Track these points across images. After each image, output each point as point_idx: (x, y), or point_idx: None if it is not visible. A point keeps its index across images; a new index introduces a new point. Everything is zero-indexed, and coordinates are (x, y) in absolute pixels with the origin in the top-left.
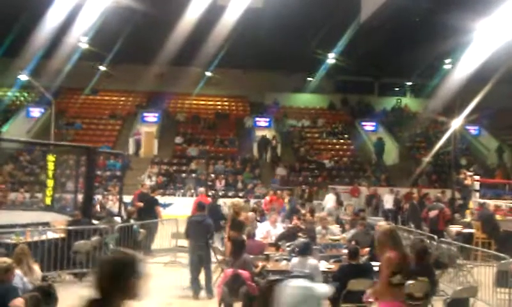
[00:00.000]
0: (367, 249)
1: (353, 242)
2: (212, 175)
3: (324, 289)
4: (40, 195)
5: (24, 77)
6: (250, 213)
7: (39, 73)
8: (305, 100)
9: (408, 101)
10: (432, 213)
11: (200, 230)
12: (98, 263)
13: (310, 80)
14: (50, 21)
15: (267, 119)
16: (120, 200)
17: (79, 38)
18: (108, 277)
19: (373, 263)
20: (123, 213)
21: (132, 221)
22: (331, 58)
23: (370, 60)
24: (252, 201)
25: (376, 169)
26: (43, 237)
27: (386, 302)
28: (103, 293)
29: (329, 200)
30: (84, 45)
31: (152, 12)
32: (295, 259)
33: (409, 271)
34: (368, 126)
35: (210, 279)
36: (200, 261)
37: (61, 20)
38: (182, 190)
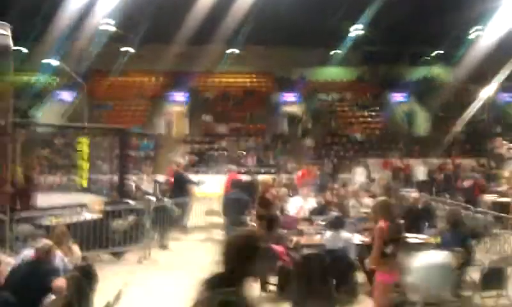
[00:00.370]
0: (401, 221)
1: None
2: (244, 152)
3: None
4: (76, 177)
5: (54, 62)
6: (282, 189)
7: (68, 57)
8: (332, 73)
9: (438, 70)
10: (467, 183)
11: (237, 207)
12: (226, 241)
13: (337, 53)
14: (75, 4)
15: (295, 95)
16: (154, 180)
17: (105, 20)
18: (235, 255)
19: (408, 235)
20: (157, 192)
21: (166, 200)
22: (357, 29)
23: (398, 29)
24: (284, 176)
25: (408, 140)
26: (81, 218)
27: (383, 273)
28: (229, 269)
29: (358, 173)
30: (110, 27)
31: None
32: (328, 233)
33: (403, 242)
34: (399, 97)
35: None
36: None
37: (85, 2)
38: (215, 169)
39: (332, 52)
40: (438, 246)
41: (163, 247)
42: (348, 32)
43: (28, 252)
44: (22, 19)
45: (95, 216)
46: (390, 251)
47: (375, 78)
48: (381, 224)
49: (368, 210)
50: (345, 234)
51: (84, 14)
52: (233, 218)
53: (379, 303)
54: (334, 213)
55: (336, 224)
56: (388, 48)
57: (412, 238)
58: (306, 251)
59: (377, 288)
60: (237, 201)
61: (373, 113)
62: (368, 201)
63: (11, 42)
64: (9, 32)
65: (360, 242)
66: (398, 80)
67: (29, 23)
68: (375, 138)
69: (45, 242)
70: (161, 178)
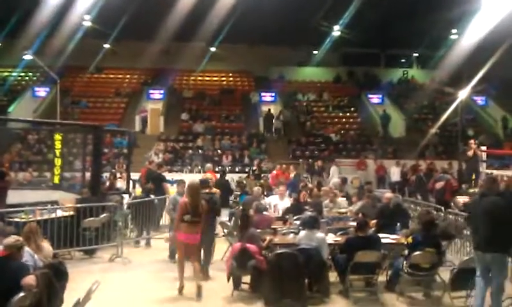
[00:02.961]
0: (374, 221)
1: (360, 215)
2: (219, 151)
3: None
4: (48, 174)
5: (28, 57)
6: (256, 188)
7: (43, 52)
8: (310, 73)
9: (414, 72)
10: (439, 185)
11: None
12: None
13: (315, 54)
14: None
15: (273, 94)
16: (128, 177)
17: (82, 16)
18: None
19: (380, 235)
20: (131, 189)
21: (152, 196)
22: (336, 30)
23: (376, 32)
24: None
25: (383, 141)
26: (53, 215)
27: (181, 233)
28: None
29: (334, 173)
30: (88, 23)
31: None
32: (302, 233)
33: (199, 213)
34: (375, 98)
35: (208, 260)
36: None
37: None
38: (189, 167)
39: (311, 53)
40: (410, 246)
41: (137, 244)
42: (327, 33)
43: None
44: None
45: (67, 213)
46: (187, 219)
47: (352, 79)
48: (183, 199)
49: (342, 210)
50: (319, 234)
51: (62, 9)
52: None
53: None
54: (308, 212)
55: (310, 224)
56: (365, 49)
57: (384, 237)
58: (279, 250)
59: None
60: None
61: (349, 114)
62: (342, 200)
63: None
64: None
65: (333, 242)
66: (374, 82)
67: (5, 16)
68: (350, 139)
69: (13, 238)
70: (135, 175)
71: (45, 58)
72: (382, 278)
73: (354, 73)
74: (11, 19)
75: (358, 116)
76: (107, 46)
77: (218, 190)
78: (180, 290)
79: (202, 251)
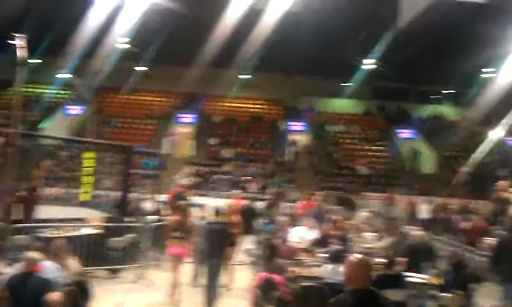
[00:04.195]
0: (403, 259)
1: (388, 251)
2: (245, 177)
3: None
4: (76, 191)
5: (64, 76)
6: (282, 218)
7: (79, 72)
8: (340, 105)
9: (445, 109)
10: (467, 225)
11: (216, 238)
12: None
13: (346, 86)
14: (91, 21)
15: (302, 124)
16: (155, 199)
17: (119, 38)
18: None
19: (409, 274)
20: (158, 211)
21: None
22: (368, 64)
23: (408, 66)
24: (285, 205)
25: (412, 177)
26: (80, 233)
27: (172, 248)
28: None
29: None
30: (124, 46)
31: (191, 14)
32: (328, 266)
33: (188, 230)
34: (405, 133)
35: (213, 297)
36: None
37: (101, 20)
38: (215, 192)
39: (342, 84)
40: (440, 287)
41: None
42: (359, 65)
43: (21, 264)
44: (37, 31)
45: (94, 232)
46: (176, 235)
47: (383, 113)
48: (173, 217)
49: (371, 245)
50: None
51: (99, 31)
52: (209, 249)
53: None
54: (336, 246)
55: (337, 258)
56: (397, 84)
57: (413, 277)
58: (304, 282)
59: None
60: (216, 232)
61: (379, 148)
62: (369, 235)
63: (26, 54)
64: (25, 44)
65: None
66: (406, 117)
67: (44, 35)
68: (378, 173)
69: (35, 254)
70: (162, 197)
71: (80, 78)
72: None
73: (384, 107)
74: (48, 37)
75: (387, 150)
76: (141, 68)
77: (237, 218)
78: (167, 298)
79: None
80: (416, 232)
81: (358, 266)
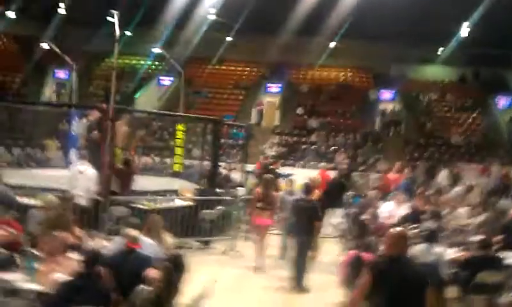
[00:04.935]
0: (500, 237)
1: (483, 230)
2: (333, 148)
3: None
4: (168, 160)
5: (156, 49)
6: (372, 192)
7: (170, 44)
8: (433, 72)
9: None
10: None
11: (305, 216)
12: None
13: (439, 52)
14: None
15: (392, 92)
16: (244, 170)
17: (208, 9)
18: None
19: (506, 254)
20: (246, 183)
21: None
22: (464, 28)
23: (505, 32)
24: (374, 177)
25: (509, 148)
26: (173, 205)
27: (255, 217)
28: None
29: (443, 179)
30: (212, 16)
31: None
32: (420, 246)
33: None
34: (502, 102)
35: (301, 272)
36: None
37: None
38: (302, 162)
39: (434, 51)
40: None
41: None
42: (453, 31)
43: (119, 240)
44: (130, 4)
45: (186, 203)
46: (260, 205)
47: (478, 80)
48: (256, 189)
49: (464, 222)
50: (437, 248)
51: (188, 3)
52: (301, 225)
53: None
54: (428, 224)
55: (429, 237)
56: (494, 50)
57: (509, 257)
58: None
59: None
60: (309, 209)
61: (473, 117)
62: (463, 211)
63: (117, 29)
64: (116, 19)
65: (453, 258)
66: (503, 85)
67: (137, 9)
68: (473, 143)
69: (134, 231)
70: (250, 167)
71: (171, 49)
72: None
73: (479, 74)
74: (140, 10)
75: (483, 119)
76: (229, 39)
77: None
78: (255, 269)
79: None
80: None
81: (397, 237)
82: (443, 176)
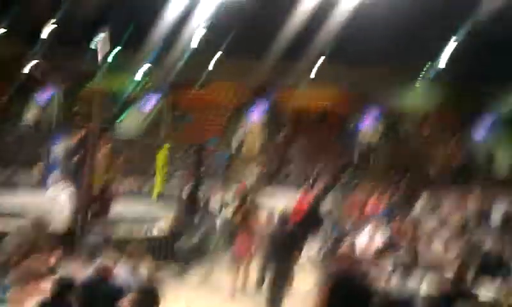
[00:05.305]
0: (472, 271)
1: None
2: (313, 173)
3: None
4: (148, 185)
5: (141, 71)
6: (349, 219)
7: (155, 67)
8: (414, 99)
9: None
10: None
11: (284, 244)
12: None
13: (419, 79)
14: (167, 17)
15: (373, 118)
16: (224, 196)
17: (193, 33)
18: None
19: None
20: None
21: None
22: (444, 56)
23: (487, 61)
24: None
25: (487, 178)
26: (151, 232)
27: (238, 247)
28: None
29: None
30: (197, 41)
31: (262, 8)
32: (395, 280)
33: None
34: (481, 132)
35: (278, 301)
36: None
37: (177, 15)
38: (283, 188)
39: (414, 79)
40: None
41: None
42: (433, 60)
43: (94, 267)
44: (117, 25)
45: (164, 230)
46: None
47: (457, 108)
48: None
49: (440, 255)
50: (412, 282)
51: (172, 26)
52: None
53: None
54: (402, 257)
55: (405, 272)
56: (475, 80)
57: (484, 293)
58: None
59: None
60: (288, 238)
61: (452, 144)
62: (438, 244)
63: (105, 48)
64: (107, 39)
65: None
66: (482, 113)
67: (121, 31)
68: (453, 170)
69: (108, 259)
70: (232, 192)
71: (156, 72)
72: None
73: (459, 102)
74: (126, 32)
75: (462, 146)
76: (213, 63)
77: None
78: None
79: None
80: (489, 240)
81: (347, 257)
82: (421, 204)
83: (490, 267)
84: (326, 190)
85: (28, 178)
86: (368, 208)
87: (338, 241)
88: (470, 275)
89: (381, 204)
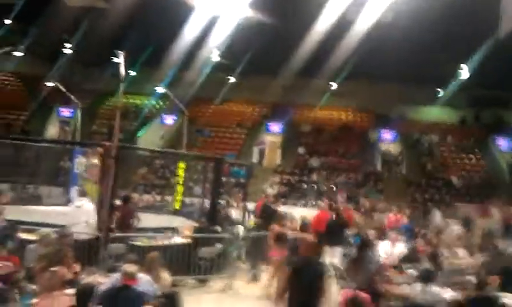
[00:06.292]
0: (496, 277)
1: (480, 270)
2: (334, 187)
3: None
4: (169, 198)
5: (160, 88)
6: (370, 232)
7: (174, 84)
8: (434, 114)
9: None
10: None
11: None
12: None
13: (441, 94)
14: (185, 36)
15: (393, 133)
16: (244, 208)
17: (212, 51)
18: None
19: (502, 294)
20: (246, 222)
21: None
22: (464, 71)
23: (506, 74)
24: (375, 217)
25: (509, 190)
26: (171, 242)
27: (271, 250)
28: None
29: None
30: (216, 58)
31: (281, 26)
32: (417, 286)
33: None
34: (503, 144)
35: None
36: None
37: (194, 35)
38: (303, 201)
39: (436, 93)
40: None
41: (254, 278)
42: (454, 73)
43: (116, 276)
44: (135, 45)
45: (184, 241)
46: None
47: (478, 122)
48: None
49: (462, 262)
50: (434, 288)
51: (191, 44)
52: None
53: None
54: (425, 263)
55: (426, 278)
56: (495, 93)
57: (507, 297)
58: (393, 303)
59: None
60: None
61: (473, 158)
62: (462, 252)
63: (123, 69)
64: (122, 60)
65: (450, 298)
66: (503, 126)
67: (142, 49)
68: (474, 184)
69: (131, 267)
70: (250, 206)
71: (175, 89)
72: None
73: (480, 116)
74: (146, 51)
75: (484, 161)
76: (232, 79)
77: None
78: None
79: None
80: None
81: (310, 244)
82: (440, 217)
83: None
84: (348, 201)
85: (51, 191)
86: (391, 218)
87: (360, 250)
88: (493, 281)
89: (403, 214)
